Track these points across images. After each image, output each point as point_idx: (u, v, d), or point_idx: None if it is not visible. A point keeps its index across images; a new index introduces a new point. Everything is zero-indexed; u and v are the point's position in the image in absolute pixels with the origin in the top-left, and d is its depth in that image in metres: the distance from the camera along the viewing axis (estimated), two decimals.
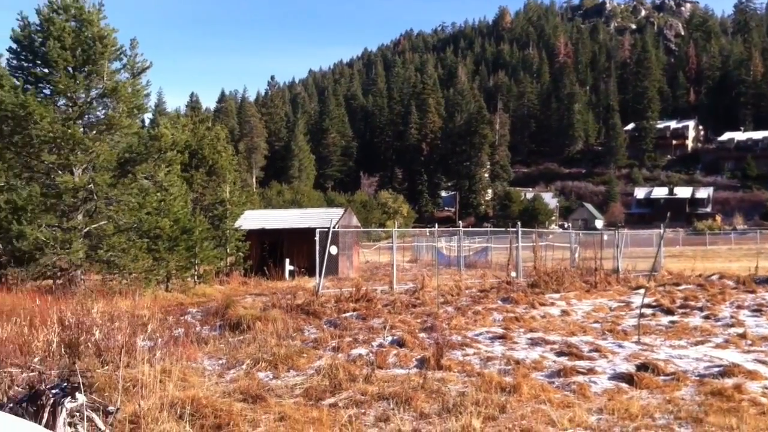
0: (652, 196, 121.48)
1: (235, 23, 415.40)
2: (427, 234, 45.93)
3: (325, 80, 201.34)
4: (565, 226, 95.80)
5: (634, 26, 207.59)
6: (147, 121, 58.05)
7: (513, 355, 10.25)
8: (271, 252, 29.22)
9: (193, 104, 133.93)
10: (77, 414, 5.76)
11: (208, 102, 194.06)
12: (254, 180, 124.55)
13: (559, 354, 10.47)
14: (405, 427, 6.66)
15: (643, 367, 9.33)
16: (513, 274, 22.28)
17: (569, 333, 12.52)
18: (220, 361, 9.97)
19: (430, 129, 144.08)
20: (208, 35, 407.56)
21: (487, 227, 57.98)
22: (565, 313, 15.43)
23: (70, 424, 5.67)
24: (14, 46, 21.10)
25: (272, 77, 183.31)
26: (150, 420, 6.30)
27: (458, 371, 9.21)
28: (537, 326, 13.28)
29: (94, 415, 5.90)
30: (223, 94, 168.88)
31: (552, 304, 16.88)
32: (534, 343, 11.51)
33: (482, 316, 14.47)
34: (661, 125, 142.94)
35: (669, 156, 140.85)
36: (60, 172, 20.10)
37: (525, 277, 22.00)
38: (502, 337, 12.02)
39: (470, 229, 41.87)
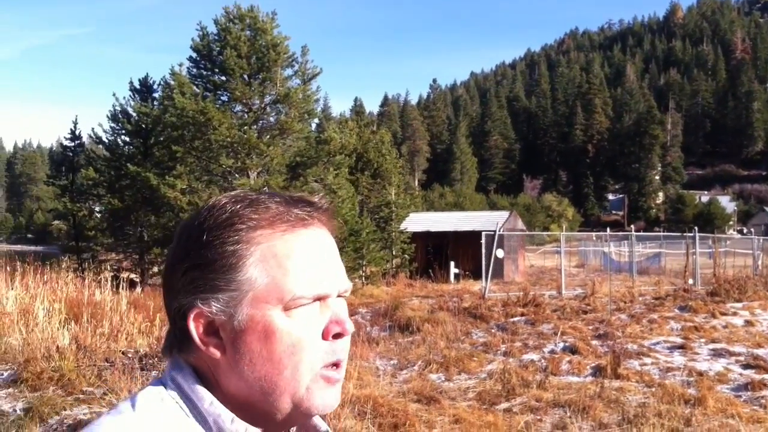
0: None
1: (398, 28, 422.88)
2: (594, 238, 44.61)
3: (486, 82, 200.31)
4: (744, 231, 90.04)
5: None
6: (314, 126, 60.08)
7: (695, 367, 9.77)
8: (435, 254, 29.35)
9: (357, 108, 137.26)
10: None
11: (372, 106, 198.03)
12: (416, 182, 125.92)
13: (746, 366, 9.96)
14: None
15: None
16: (690, 281, 21.15)
17: (755, 345, 11.73)
18: (392, 362, 10.11)
19: (597, 130, 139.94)
20: (372, 41, 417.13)
21: (658, 232, 55.55)
22: (749, 323, 14.47)
23: None
24: (194, 55, 22.37)
25: (434, 80, 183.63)
26: (332, 416, 6.45)
27: (636, 381, 8.87)
28: (719, 336, 12.54)
29: None
30: (386, 98, 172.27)
31: (734, 313, 15.86)
32: (717, 354, 10.91)
33: (658, 324, 13.84)
34: None
35: None
36: (237, 175, 21.11)
37: (703, 285, 20.86)
38: (681, 347, 11.47)
39: (642, 233, 40.19)
